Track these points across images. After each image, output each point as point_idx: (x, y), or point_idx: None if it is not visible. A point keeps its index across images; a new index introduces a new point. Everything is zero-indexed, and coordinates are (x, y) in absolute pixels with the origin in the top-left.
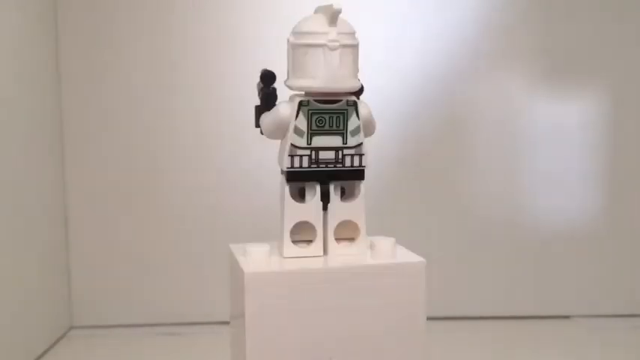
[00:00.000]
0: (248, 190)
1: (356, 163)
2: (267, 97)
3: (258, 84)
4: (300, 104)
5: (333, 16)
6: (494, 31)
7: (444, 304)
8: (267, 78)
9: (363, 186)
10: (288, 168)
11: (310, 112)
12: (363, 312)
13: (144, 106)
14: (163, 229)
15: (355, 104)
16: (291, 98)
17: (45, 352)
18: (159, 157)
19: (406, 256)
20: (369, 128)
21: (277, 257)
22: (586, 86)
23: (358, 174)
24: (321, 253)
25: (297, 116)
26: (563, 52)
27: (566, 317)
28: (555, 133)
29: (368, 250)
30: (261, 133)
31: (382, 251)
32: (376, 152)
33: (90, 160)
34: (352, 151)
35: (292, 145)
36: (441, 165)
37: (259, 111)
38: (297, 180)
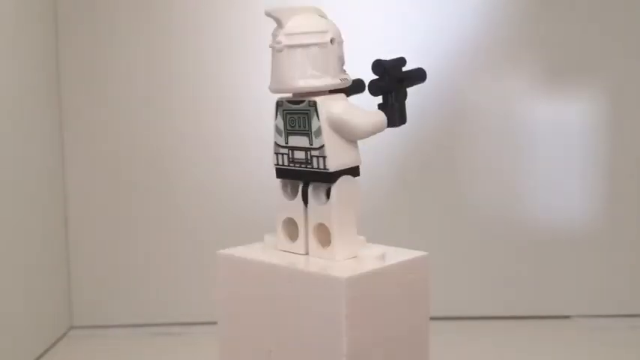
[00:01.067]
0: (249, 189)
1: (321, 165)
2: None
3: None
4: (277, 104)
5: (274, 19)
6: (494, 32)
7: (444, 304)
8: (376, 68)
9: (336, 189)
10: (275, 164)
11: (284, 112)
12: (291, 314)
13: (144, 105)
14: (163, 229)
15: (315, 105)
16: None
17: (45, 352)
18: (159, 157)
19: (342, 270)
20: (344, 129)
21: (270, 248)
22: (586, 86)
23: (324, 176)
24: (302, 251)
25: (276, 116)
26: (563, 52)
27: (566, 317)
28: (555, 133)
29: (340, 255)
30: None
31: (340, 260)
32: (376, 152)
33: (90, 160)
34: (317, 153)
35: (275, 143)
36: (440, 165)
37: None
38: (282, 177)
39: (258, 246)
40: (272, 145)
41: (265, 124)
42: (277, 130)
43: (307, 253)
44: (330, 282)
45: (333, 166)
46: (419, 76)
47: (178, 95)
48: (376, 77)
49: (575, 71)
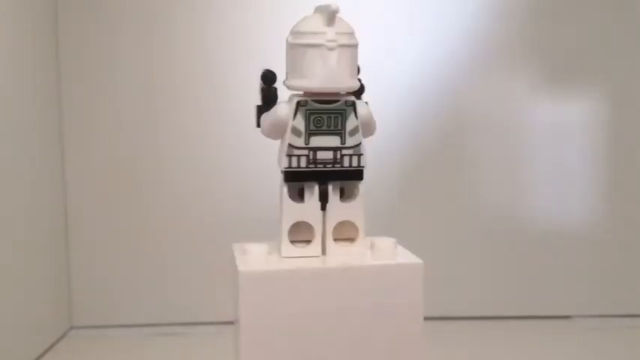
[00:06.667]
0: (248, 190)
1: (354, 163)
2: (268, 97)
3: (260, 83)
4: (298, 104)
5: (330, 16)
6: (494, 33)
7: (444, 304)
8: (268, 78)
9: (362, 186)
10: (285, 168)
11: (308, 112)
12: (360, 313)
13: (144, 106)
14: (163, 229)
15: (354, 104)
16: (290, 98)
17: (45, 352)
18: (159, 157)
19: (405, 256)
20: (368, 129)
21: (276, 257)
22: (586, 87)
23: (357, 174)
24: (319, 254)
25: (294, 116)
26: (563, 52)
27: (566, 317)
28: (556, 133)
29: (367, 250)
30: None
31: (381, 252)
32: (377, 153)
33: (90, 160)
34: (351, 151)
35: (290, 145)
36: (441, 165)
37: (260, 111)
38: (296, 180)
39: (251, 258)
40: (273, 145)
41: None
42: (295, 131)
43: (324, 254)
44: (407, 269)
45: (367, 162)
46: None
47: (179, 95)
48: (264, 85)
49: (575, 72)
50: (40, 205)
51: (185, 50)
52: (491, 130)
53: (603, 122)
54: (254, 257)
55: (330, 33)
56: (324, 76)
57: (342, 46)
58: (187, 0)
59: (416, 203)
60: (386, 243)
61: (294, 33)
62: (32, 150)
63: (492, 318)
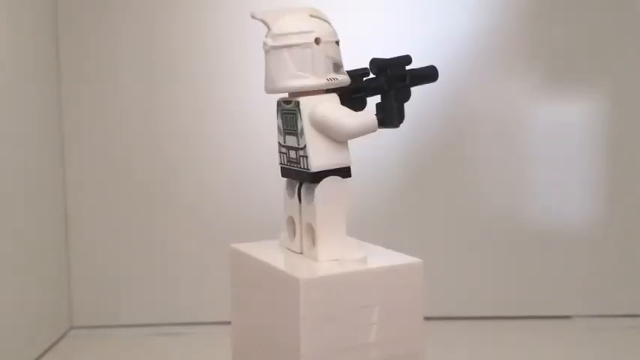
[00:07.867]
0: (249, 189)
1: (305, 165)
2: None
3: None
4: (277, 104)
5: (261, 22)
6: (495, 34)
7: (443, 304)
8: (372, 65)
9: (319, 190)
10: (279, 163)
11: (281, 111)
12: (267, 310)
13: (144, 105)
14: (163, 229)
15: (298, 105)
16: None
17: (45, 352)
18: (159, 157)
19: (304, 271)
20: (328, 130)
21: (279, 245)
22: (586, 87)
23: (308, 176)
24: (298, 250)
25: (277, 115)
26: (563, 52)
27: (566, 317)
28: (556, 134)
29: (323, 256)
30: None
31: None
32: (377, 153)
33: (90, 160)
34: (302, 153)
35: (278, 142)
36: (441, 165)
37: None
38: (285, 176)
39: (270, 243)
40: (274, 144)
41: (266, 123)
42: (278, 129)
43: (302, 252)
44: (289, 282)
45: (314, 166)
46: (426, 75)
47: (179, 95)
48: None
49: (575, 72)
50: (40, 205)
51: (185, 50)
52: (492, 130)
53: (603, 122)
54: (269, 242)
55: (266, 37)
56: (265, 78)
57: (275, 48)
58: (187, 0)
59: (416, 203)
60: (355, 255)
61: None
62: (32, 150)
63: (492, 318)
